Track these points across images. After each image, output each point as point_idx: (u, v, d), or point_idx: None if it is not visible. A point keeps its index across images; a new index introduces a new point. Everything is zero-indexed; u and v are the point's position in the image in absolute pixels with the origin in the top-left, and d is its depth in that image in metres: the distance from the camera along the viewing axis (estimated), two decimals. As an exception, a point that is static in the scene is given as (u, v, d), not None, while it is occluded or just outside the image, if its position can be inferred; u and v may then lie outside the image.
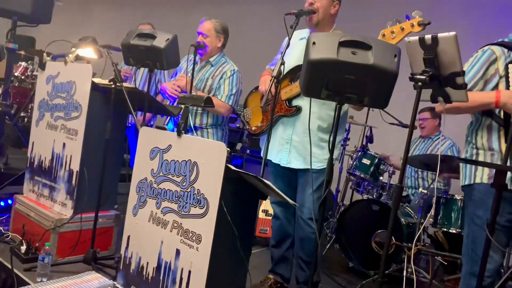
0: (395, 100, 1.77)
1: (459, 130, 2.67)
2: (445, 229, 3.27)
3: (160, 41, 2.24)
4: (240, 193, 1.94)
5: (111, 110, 2.44)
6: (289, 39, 2.27)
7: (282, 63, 2.19)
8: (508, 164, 1.66)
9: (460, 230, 3.21)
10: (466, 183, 2.02)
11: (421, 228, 2.85)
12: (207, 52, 3.02)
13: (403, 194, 3.90)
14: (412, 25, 1.81)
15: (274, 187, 1.84)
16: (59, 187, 2.63)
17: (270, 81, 2.18)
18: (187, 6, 6.64)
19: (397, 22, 1.85)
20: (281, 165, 2.44)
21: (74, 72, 2.62)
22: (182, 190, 1.92)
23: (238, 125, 4.64)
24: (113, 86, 2.40)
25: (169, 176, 1.98)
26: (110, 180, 2.66)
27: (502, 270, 2.21)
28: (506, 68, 1.84)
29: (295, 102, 2.39)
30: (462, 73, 1.44)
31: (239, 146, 4.62)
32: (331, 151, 1.78)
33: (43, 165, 2.75)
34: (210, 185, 1.80)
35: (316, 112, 2.33)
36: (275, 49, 2.85)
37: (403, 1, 4.64)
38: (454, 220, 3.29)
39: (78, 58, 2.86)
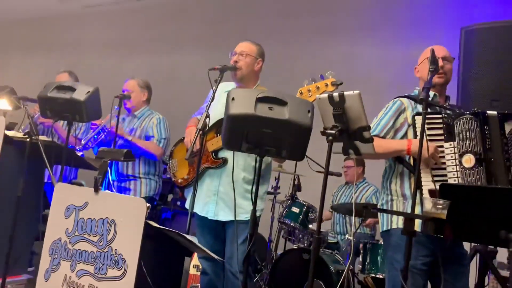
0: (322, 148, 1.84)
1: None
2: (373, 275, 3.35)
3: (80, 94, 2.18)
4: (162, 250, 1.87)
5: (25, 165, 2.29)
6: (214, 92, 2.33)
7: (207, 116, 2.22)
8: (417, 209, 1.77)
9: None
10: (384, 229, 2.12)
11: (347, 275, 2.89)
12: (133, 106, 3.17)
13: (333, 241, 3.98)
14: (326, 85, 1.94)
15: (197, 243, 1.79)
16: (-39, 251, 2.36)
17: (196, 133, 2.19)
18: (119, 56, 6.61)
19: (313, 81, 1.98)
20: (208, 217, 2.40)
21: (-16, 125, 2.45)
22: (98, 250, 1.80)
23: (168, 175, 4.55)
24: (28, 139, 2.27)
25: (85, 235, 1.86)
26: (23, 240, 2.45)
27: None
28: (413, 119, 2.02)
29: (221, 154, 2.41)
30: (368, 128, 1.55)
31: (170, 197, 4.50)
32: (254, 203, 1.79)
33: None
34: (129, 244, 1.71)
35: (241, 164, 2.36)
36: (202, 99, 2.92)
37: (325, 57, 5.02)
38: (380, 265, 3.39)
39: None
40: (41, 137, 2.29)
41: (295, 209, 3.60)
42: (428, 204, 1.62)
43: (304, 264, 3.28)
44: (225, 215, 2.37)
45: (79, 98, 2.17)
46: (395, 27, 4.93)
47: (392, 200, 2.09)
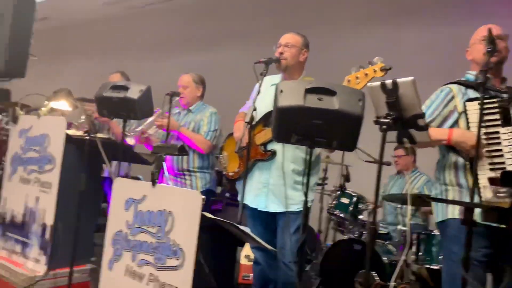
0: (370, 137, 1.82)
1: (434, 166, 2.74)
2: (427, 266, 3.27)
3: (134, 92, 2.27)
4: (217, 241, 1.92)
5: (85, 162, 2.42)
6: (260, 86, 2.35)
7: (254, 109, 2.25)
8: (476, 199, 1.71)
9: (442, 266, 3.21)
10: (440, 219, 2.06)
11: (399, 266, 2.84)
12: (188, 101, 3.23)
13: (383, 232, 3.91)
14: (375, 71, 1.90)
15: (251, 233, 1.83)
16: (32, 242, 2.55)
17: (244, 126, 2.23)
18: (158, 55, 6.78)
19: (361, 68, 1.94)
20: (259, 209, 2.44)
21: (47, 125, 2.61)
22: (158, 241, 1.89)
23: (217, 168, 4.64)
24: (87, 137, 2.40)
25: (145, 227, 1.96)
26: (86, 233, 2.60)
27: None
28: (465, 105, 1.94)
29: (270, 146, 2.43)
30: (423, 115, 1.51)
31: (218, 189, 4.59)
32: (306, 194, 1.79)
33: (15, 220, 2.67)
34: (186, 235, 1.78)
35: (290, 155, 2.37)
36: (246, 93, 2.94)
37: (368, 44, 4.87)
38: (435, 256, 3.29)
39: (52, 110, 2.87)
40: (99, 135, 2.41)
41: (345, 200, 3.56)
42: (489, 193, 1.56)
43: (355, 254, 3.25)
44: (275, 207, 2.40)
45: (132, 97, 2.26)
46: (441, 8, 4.70)
47: (447, 190, 2.03)
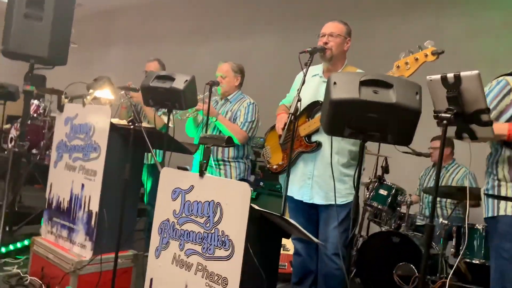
0: None
1: (473, 158, 2.65)
2: (467, 260, 3.20)
3: (179, 83, 2.28)
4: (263, 232, 1.92)
5: (131, 151, 2.45)
6: (304, 76, 2.31)
7: (299, 100, 2.21)
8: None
9: (484, 261, 3.13)
10: (490, 215, 1.99)
11: (444, 260, 2.79)
12: (226, 91, 3.20)
13: (421, 224, 3.85)
14: (426, 55, 1.83)
15: (298, 226, 1.82)
16: (78, 228, 2.62)
17: (288, 117, 2.20)
18: (194, 42, 6.78)
19: (410, 52, 1.88)
20: (304, 201, 2.43)
21: (92, 114, 2.66)
22: (206, 231, 1.90)
23: (251, 157, 4.65)
24: (132, 126, 2.43)
25: (192, 217, 1.98)
26: (129, 220, 2.65)
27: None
28: None
29: (315, 138, 2.41)
30: (487, 110, 1.44)
31: (252, 178, 4.61)
32: (357, 189, 1.77)
33: (61, 206, 2.75)
34: (235, 226, 1.79)
35: (335, 147, 2.34)
36: (281, 83, 2.89)
37: (408, 32, 4.73)
38: (476, 250, 3.22)
39: (95, 98, 2.92)
40: (144, 124, 2.44)
41: (383, 192, 3.51)
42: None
43: (393, 247, 3.21)
44: (320, 199, 2.38)
45: (178, 87, 2.27)
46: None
47: (500, 185, 1.96)
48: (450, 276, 2.92)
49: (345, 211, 2.33)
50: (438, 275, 3.07)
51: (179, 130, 3.08)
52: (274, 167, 2.61)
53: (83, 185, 2.64)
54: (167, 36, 7.10)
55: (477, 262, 3.18)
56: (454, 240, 3.29)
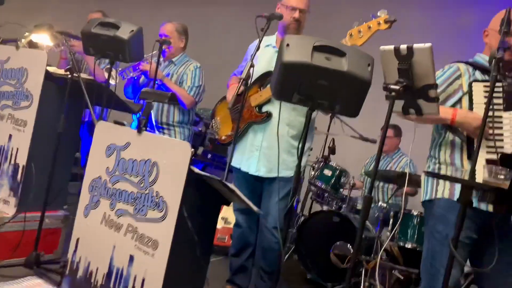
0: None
1: (415, 149, 2.72)
2: (401, 244, 3.30)
3: (124, 32, 2.11)
4: (201, 197, 1.84)
5: (66, 102, 2.27)
6: (260, 42, 2.22)
7: (252, 66, 2.12)
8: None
9: (415, 245, 3.25)
10: (427, 198, 2.03)
11: (380, 242, 2.86)
12: (171, 52, 3.05)
13: (360, 208, 3.93)
14: (379, 23, 1.81)
15: (239, 192, 1.76)
16: (1, 182, 2.42)
17: (239, 82, 2.11)
18: (152, 6, 6.46)
19: (364, 22, 1.84)
20: (250, 173, 2.37)
21: (26, 59, 2.43)
22: (139, 191, 1.79)
23: (200, 128, 4.53)
24: (69, 76, 2.24)
25: (126, 176, 1.85)
26: (60, 178, 2.48)
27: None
28: (470, 86, 1.88)
29: (265, 108, 2.34)
30: (435, 86, 1.43)
31: (200, 150, 4.50)
32: (299, 158, 1.72)
33: (-16, 158, 2.52)
34: (171, 187, 1.69)
35: (286, 118, 2.28)
36: (242, 53, 2.79)
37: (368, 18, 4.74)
38: (410, 235, 3.33)
39: (32, 46, 2.67)
40: (83, 75, 2.26)
41: (328, 172, 3.53)
42: (486, 173, 1.52)
43: (333, 226, 3.25)
44: (266, 171, 2.33)
45: (123, 37, 2.11)
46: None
47: (440, 168, 1.99)
48: (382, 256, 3.00)
49: (290, 184, 2.29)
50: (372, 256, 3.14)
51: (119, 91, 2.90)
52: (223, 137, 2.53)
53: (10, 136, 2.42)
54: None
55: (409, 246, 3.29)
56: (390, 225, 3.38)
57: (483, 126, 1.57)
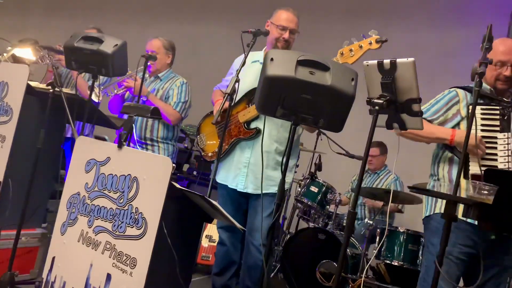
0: (344, 130, 1.73)
1: (402, 166, 2.69)
2: (388, 261, 3.27)
3: (108, 46, 2.08)
4: (183, 214, 1.79)
5: (46, 117, 2.21)
6: (245, 57, 2.22)
7: (237, 80, 2.12)
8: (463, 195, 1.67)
9: (402, 263, 3.22)
10: (427, 214, 2.07)
11: (366, 260, 2.82)
12: (157, 68, 3.04)
13: (348, 224, 3.90)
14: (370, 43, 1.82)
15: (222, 209, 1.71)
16: (-24, 198, 2.33)
17: (223, 97, 2.10)
18: (142, 23, 6.47)
19: (355, 41, 1.86)
20: (238, 190, 2.34)
21: (7, 72, 2.38)
22: (118, 207, 1.74)
23: (186, 145, 4.49)
24: (51, 90, 2.19)
25: (105, 191, 1.80)
26: (39, 194, 2.41)
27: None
28: (468, 108, 1.93)
29: (254, 125, 2.32)
30: (419, 100, 1.43)
31: (185, 167, 4.44)
32: (283, 173, 1.69)
33: (-41, 173, 2.43)
34: (151, 203, 1.64)
35: (274, 134, 2.28)
36: (227, 71, 2.78)
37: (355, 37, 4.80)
38: (397, 253, 3.30)
39: (15, 60, 2.63)
40: (65, 90, 2.21)
41: (314, 189, 3.51)
42: (472, 189, 1.51)
43: (319, 243, 3.21)
44: (254, 188, 2.30)
45: (106, 51, 2.08)
46: (430, 11, 4.70)
47: (440, 185, 2.03)
48: (367, 275, 2.96)
49: (273, 200, 2.25)
50: (358, 274, 3.10)
51: (103, 107, 2.86)
52: (210, 154, 2.49)
53: (-13, 151, 2.34)
54: (112, 12, 6.72)
55: (396, 264, 3.26)
56: (376, 242, 3.35)
57: (466, 141, 1.58)
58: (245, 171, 2.32)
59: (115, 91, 2.98)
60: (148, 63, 2.76)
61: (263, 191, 2.13)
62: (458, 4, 4.56)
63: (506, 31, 3.49)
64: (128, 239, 1.67)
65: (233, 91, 2.12)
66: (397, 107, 1.46)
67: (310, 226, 3.45)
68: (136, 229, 1.66)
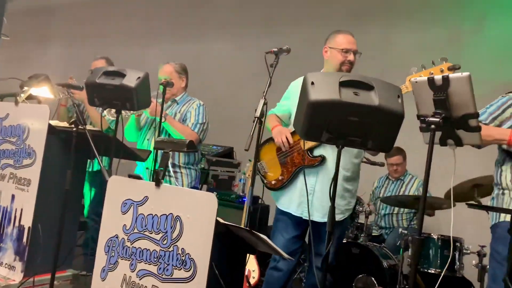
0: None
1: (422, 167, 2.62)
2: (424, 270, 3.18)
3: (131, 80, 2.02)
4: (228, 248, 1.72)
5: (72, 157, 2.15)
6: (270, 77, 2.17)
7: (265, 103, 2.06)
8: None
9: (439, 270, 3.13)
10: (493, 223, 2.00)
11: (402, 270, 2.73)
12: (172, 93, 2.98)
13: (376, 234, 3.81)
14: (442, 70, 1.76)
15: (269, 241, 1.64)
16: (6, 246, 2.26)
17: (254, 122, 2.03)
18: (143, 44, 6.44)
19: (423, 68, 1.80)
20: (303, 218, 2.29)
21: (27, 114, 2.32)
22: (162, 249, 1.66)
23: (203, 165, 4.41)
24: (74, 129, 2.12)
25: (146, 233, 1.72)
26: (69, 236, 2.33)
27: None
28: None
29: (318, 152, 2.27)
30: (476, 115, 1.36)
31: (204, 188, 4.36)
32: (332, 200, 1.62)
33: (-14, 222, 2.36)
34: (197, 243, 1.57)
35: (341, 161, 2.21)
36: (234, 88, 2.72)
37: (358, 43, 4.74)
38: (432, 260, 3.21)
39: (29, 98, 2.57)
40: (88, 127, 2.15)
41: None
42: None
43: (353, 258, 3.12)
44: (320, 216, 2.25)
45: (129, 85, 2.02)
46: (434, 9, 4.64)
47: (503, 194, 1.96)
48: (403, 285, 2.87)
49: (340, 228, 2.30)
50: (397, 286, 3.01)
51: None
52: (273, 182, 2.41)
53: (13, 196, 2.28)
54: (113, 35, 6.68)
55: (433, 271, 3.17)
56: (410, 250, 3.26)
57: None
58: (310, 198, 2.26)
59: (129, 113, 2.90)
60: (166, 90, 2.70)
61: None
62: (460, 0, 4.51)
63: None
64: (177, 282, 1.59)
65: (262, 114, 2.06)
66: (452, 124, 1.39)
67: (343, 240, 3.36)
68: (184, 271, 1.58)
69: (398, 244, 3.16)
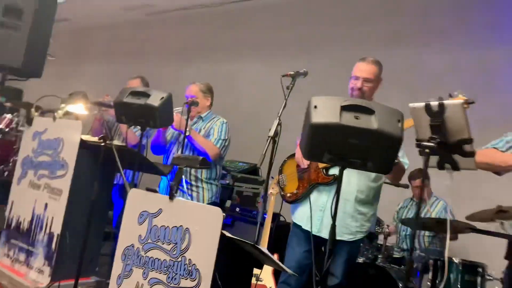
0: None
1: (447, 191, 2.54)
2: (444, 295, 3.11)
3: (155, 100, 2.18)
4: (234, 261, 1.80)
5: (99, 170, 2.32)
6: (286, 100, 2.26)
7: (279, 124, 2.16)
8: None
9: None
10: None
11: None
12: (199, 111, 3.15)
13: (398, 256, 3.76)
14: None
15: (272, 256, 1.71)
16: (37, 251, 2.44)
17: (267, 140, 2.13)
18: (179, 62, 6.72)
19: (441, 99, 1.85)
20: (312, 232, 2.35)
21: (62, 129, 2.52)
22: (172, 259, 1.77)
23: (228, 181, 4.52)
24: (102, 144, 2.30)
25: (158, 243, 1.84)
26: (94, 244, 2.49)
27: None
28: None
29: (333, 171, 2.35)
30: (469, 141, 1.40)
31: (228, 203, 4.46)
32: (334, 219, 1.68)
33: (21, 227, 2.56)
34: (203, 254, 1.67)
35: (355, 182, 2.30)
36: (265, 108, 2.83)
37: (391, 65, 4.75)
38: (453, 284, 3.14)
39: (67, 113, 2.78)
40: (115, 142, 2.32)
41: (361, 222, 3.42)
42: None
43: (369, 279, 3.11)
44: (328, 233, 2.29)
45: (153, 104, 2.18)
46: (467, 30, 4.60)
47: None
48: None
49: (348, 248, 2.33)
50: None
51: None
52: (288, 195, 2.53)
53: (46, 205, 2.47)
54: (149, 55, 7.03)
55: (454, 297, 3.09)
56: (430, 273, 3.20)
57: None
58: (320, 215, 2.34)
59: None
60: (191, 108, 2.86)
61: (338, 238, 2.12)
62: (494, 22, 4.45)
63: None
64: (184, 291, 1.69)
65: (276, 134, 2.15)
66: (448, 148, 1.43)
67: (359, 260, 3.36)
68: (190, 281, 1.68)
69: (415, 266, 3.12)
